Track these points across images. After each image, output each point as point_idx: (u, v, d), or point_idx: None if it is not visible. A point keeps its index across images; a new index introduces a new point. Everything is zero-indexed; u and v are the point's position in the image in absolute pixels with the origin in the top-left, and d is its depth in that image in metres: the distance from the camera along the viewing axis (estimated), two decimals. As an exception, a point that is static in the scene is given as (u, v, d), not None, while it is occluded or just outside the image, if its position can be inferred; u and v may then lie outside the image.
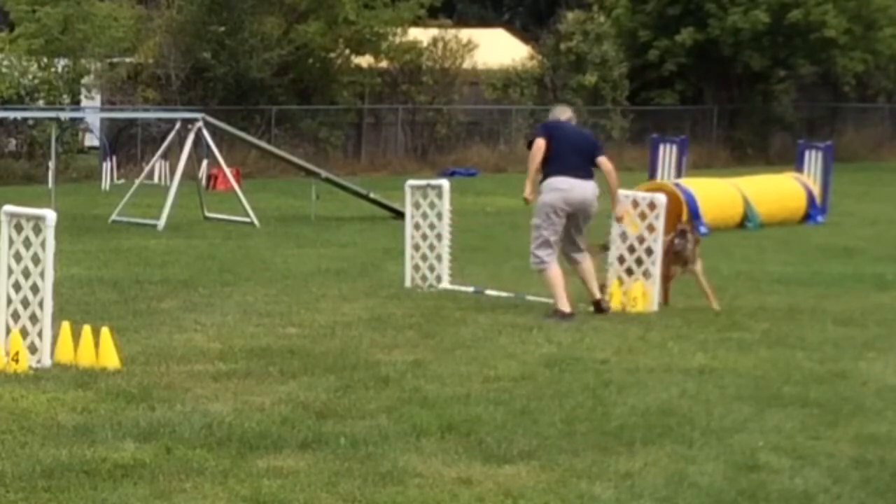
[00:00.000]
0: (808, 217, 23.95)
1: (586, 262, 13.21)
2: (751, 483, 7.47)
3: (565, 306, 12.80)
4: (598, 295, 13.18)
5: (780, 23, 41.07)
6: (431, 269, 14.77)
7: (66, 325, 10.29)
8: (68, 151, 33.40)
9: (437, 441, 8.15)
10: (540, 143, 13.03)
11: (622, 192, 13.83)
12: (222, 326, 12.04)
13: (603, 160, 13.26)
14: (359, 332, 11.81)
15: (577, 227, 13.12)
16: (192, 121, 23.41)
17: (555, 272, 12.94)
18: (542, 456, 7.89)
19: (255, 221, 21.89)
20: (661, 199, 13.72)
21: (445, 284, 14.68)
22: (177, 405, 8.94)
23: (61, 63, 34.23)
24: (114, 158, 31.49)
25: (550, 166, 13.02)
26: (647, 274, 13.52)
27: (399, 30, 39.01)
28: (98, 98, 36.20)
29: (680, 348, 11.37)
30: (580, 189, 12.99)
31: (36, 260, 10.03)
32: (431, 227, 14.83)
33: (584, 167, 13.11)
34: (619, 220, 13.59)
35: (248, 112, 35.97)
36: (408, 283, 14.76)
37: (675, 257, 13.66)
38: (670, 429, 8.56)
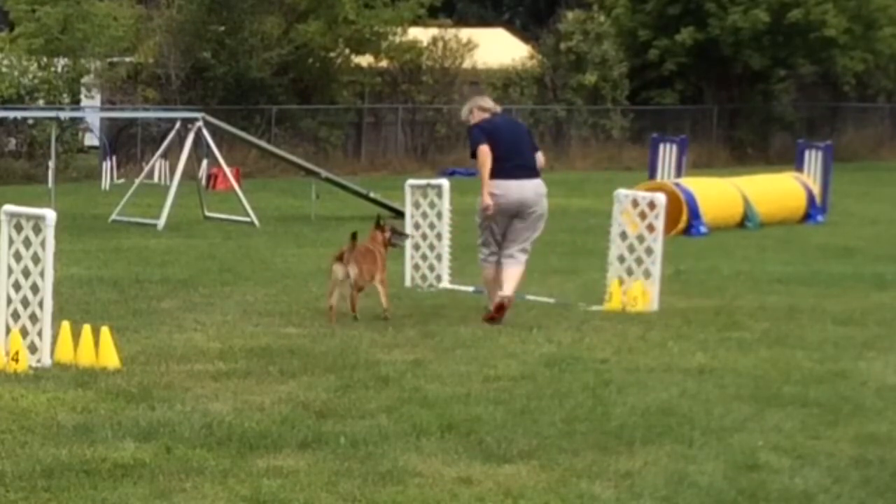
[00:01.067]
0: (808, 217, 23.95)
1: (513, 268, 12.66)
2: (751, 483, 7.47)
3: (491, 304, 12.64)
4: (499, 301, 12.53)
5: (780, 22, 41.08)
6: (431, 268, 14.78)
7: (66, 325, 10.29)
8: (68, 151, 33.41)
9: (437, 441, 8.15)
10: (486, 150, 12.49)
11: (622, 191, 13.88)
12: (222, 326, 12.04)
13: (539, 156, 12.81)
14: (359, 332, 11.81)
15: (519, 229, 12.67)
16: (192, 120, 23.41)
17: (489, 272, 12.73)
18: (542, 456, 7.89)
19: (255, 221, 21.89)
20: (660, 198, 13.72)
21: (445, 284, 14.68)
22: (177, 405, 8.94)
23: (61, 63, 34.24)
24: (114, 158, 31.50)
25: (496, 167, 12.49)
26: (647, 273, 13.51)
27: (399, 29, 39.04)
28: (98, 98, 36.21)
29: (680, 348, 11.37)
30: (516, 190, 12.55)
31: (36, 260, 10.03)
32: (431, 226, 14.84)
33: (524, 165, 12.64)
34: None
35: (248, 112, 35.98)
36: (408, 283, 14.76)
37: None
38: (670, 428, 8.55)
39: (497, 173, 12.50)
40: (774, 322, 12.78)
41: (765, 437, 8.40)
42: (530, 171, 12.64)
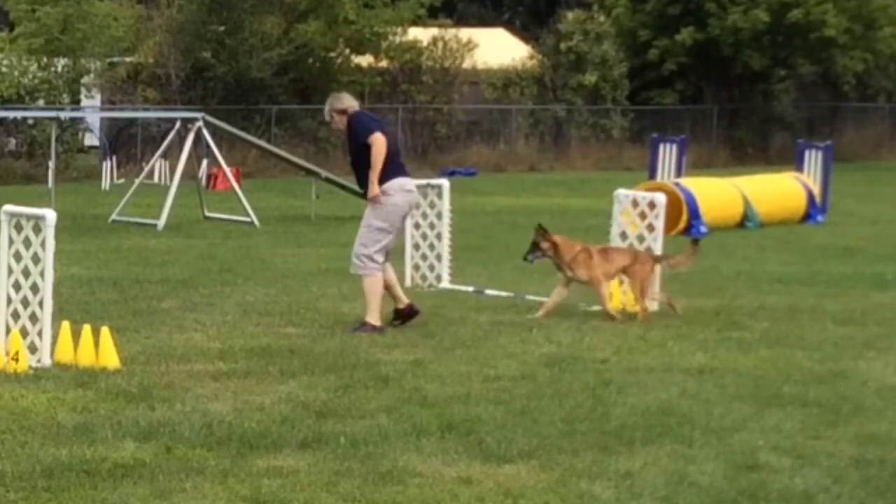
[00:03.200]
0: (808, 217, 23.95)
1: (390, 270, 12.34)
2: (751, 482, 7.47)
3: (378, 319, 11.97)
4: (405, 301, 12.33)
5: (780, 22, 41.08)
6: (431, 268, 14.78)
7: (66, 325, 10.30)
8: (68, 151, 33.40)
9: (437, 441, 8.15)
10: (383, 139, 11.83)
11: (622, 191, 13.88)
12: (222, 326, 12.05)
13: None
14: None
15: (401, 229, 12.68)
16: (192, 120, 23.41)
17: (380, 281, 12.04)
18: (542, 456, 7.89)
19: (255, 221, 21.89)
20: (660, 198, 13.72)
21: (445, 284, 14.68)
22: (177, 405, 8.95)
23: (61, 63, 34.23)
24: (114, 158, 31.51)
25: (390, 165, 11.99)
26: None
27: (399, 29, 39.05)
28: (98, 98, 36.21)
29: (680, 348, 11.38)
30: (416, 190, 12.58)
31: (36, 260, 10.04)
32: (431, 226, 14.84)
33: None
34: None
35: (248, 112, 35.98)
36: (408, 283, 14.75)
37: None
38: (670, 428, 8.56)
39: (399, 170, 12.16)
40: (774, 322, 12.78)
41: (765, 437, 8.40)
42: None
